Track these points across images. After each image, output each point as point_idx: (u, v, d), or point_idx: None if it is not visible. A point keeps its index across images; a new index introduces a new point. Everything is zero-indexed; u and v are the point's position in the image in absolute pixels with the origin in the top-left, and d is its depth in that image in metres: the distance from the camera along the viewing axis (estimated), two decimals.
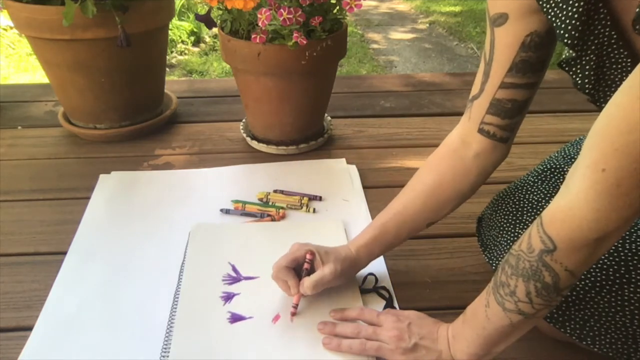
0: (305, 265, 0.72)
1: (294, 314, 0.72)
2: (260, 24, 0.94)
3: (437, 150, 0.74)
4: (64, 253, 0.86)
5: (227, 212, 0.96)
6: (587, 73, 0.55)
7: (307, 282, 0.70)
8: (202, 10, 3.73)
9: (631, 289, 0.59)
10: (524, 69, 0.61)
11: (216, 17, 1.09)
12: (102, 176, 1.06)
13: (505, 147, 0.70)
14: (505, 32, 0.60)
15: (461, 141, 0.71)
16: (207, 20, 1.10)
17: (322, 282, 0.70)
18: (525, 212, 0.73)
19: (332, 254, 0.73)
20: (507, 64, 0.62)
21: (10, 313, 0.76)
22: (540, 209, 0.71)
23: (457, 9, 4.77)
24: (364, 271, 0.80)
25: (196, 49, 3.70)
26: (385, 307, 0.76)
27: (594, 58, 0.54)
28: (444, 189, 0.72)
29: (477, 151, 0.69)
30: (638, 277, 0.59)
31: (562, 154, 0.79)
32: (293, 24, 0.93)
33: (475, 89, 0.67)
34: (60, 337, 0.71)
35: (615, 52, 0.52)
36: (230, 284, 0.78)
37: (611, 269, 0.61)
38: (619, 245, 0.61)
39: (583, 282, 0.62)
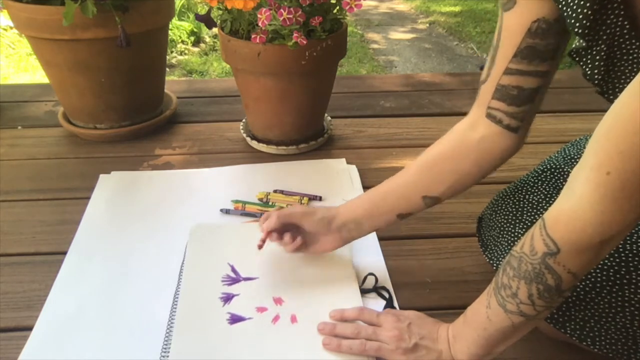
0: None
1: (260, 247, 0.77)
2: (260, 24, 0.94)
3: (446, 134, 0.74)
4: (64, 253, 0.86)
5: (227, 212, 0.96)
6: (597, 63, 0.54)
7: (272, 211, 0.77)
8: (202, 10, 3.72)
9: (632, 290, 0.59)
10: (530, 56, 0.60)
11: (216, 17, 1.09)
12: (102, 176, 1.06)
13: (515, 138, 0.68)
14: (512, 17, 0.60)
15: (469, 124, 0.70)
16: (207, 20, 1.10)
17: (286, 211, 0.76)
18: (525, 212, 0.73)
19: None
20: (512, 49, 0.61)
21: (10, 313, 0.76)
22: (541, 209, 0.71)
23: (457, 9, 4.77)
24: (364, 271, 0.80)
25: (196, 49, 3.69)
26: (385, 307, 0.76)
27: (604, 48, 0.53)
28: (441, 162, 0.71)
29: (482, 135, 0.68)
30: (638, 278, 0.59)
31: (562, 154, 0.78)
32: (293, 24, 0.93)
33: (483, 74, 0.67)
34: (60, 337, 0.71)
35: (627, 42, 0.52)
36: (230, 284, 0.78)
37: (612, 270, 0.61)
38: (620, 246, 0.61)
39: (583, 283, 0.62)
